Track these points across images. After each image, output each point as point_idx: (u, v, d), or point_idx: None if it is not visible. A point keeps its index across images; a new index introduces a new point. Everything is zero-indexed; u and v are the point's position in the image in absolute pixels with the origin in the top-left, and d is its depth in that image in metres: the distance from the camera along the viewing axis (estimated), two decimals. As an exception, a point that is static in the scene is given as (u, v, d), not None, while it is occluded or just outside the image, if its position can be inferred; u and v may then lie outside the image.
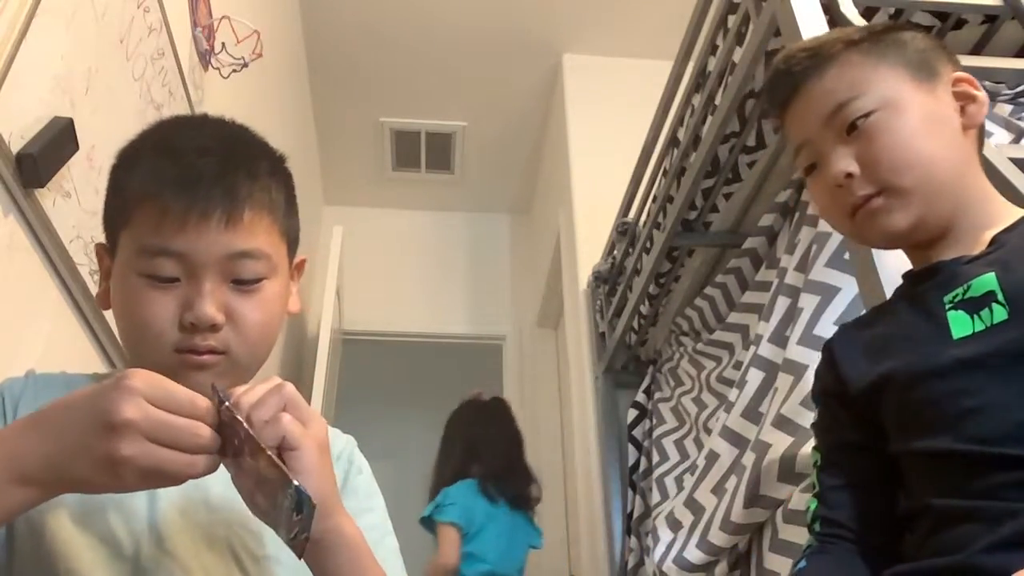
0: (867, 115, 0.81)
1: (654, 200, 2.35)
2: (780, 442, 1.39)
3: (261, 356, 0.79)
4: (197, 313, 0.72)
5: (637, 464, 2.46)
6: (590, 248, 3.14)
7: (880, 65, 0.83)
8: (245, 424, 0.61)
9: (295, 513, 0.58)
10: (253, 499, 0.63)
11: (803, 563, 0.83)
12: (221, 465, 0.62)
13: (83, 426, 0.57)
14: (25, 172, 1.20)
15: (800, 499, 1.33)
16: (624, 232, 2.68)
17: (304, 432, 0.64)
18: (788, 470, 1.36)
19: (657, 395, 2.49)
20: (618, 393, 2.77)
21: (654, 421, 2.41)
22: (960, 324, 0.75)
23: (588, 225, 3.24)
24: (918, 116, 0.81)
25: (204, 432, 0.59)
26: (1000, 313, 0.72)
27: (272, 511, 0.61)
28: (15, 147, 1.18)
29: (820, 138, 0.83)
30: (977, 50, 1.60)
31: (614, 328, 2.73)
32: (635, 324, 2.61)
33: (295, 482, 0.58)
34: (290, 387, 0.65)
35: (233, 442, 0.61)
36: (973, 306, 0.75)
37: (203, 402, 0.60)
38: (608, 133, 3.38)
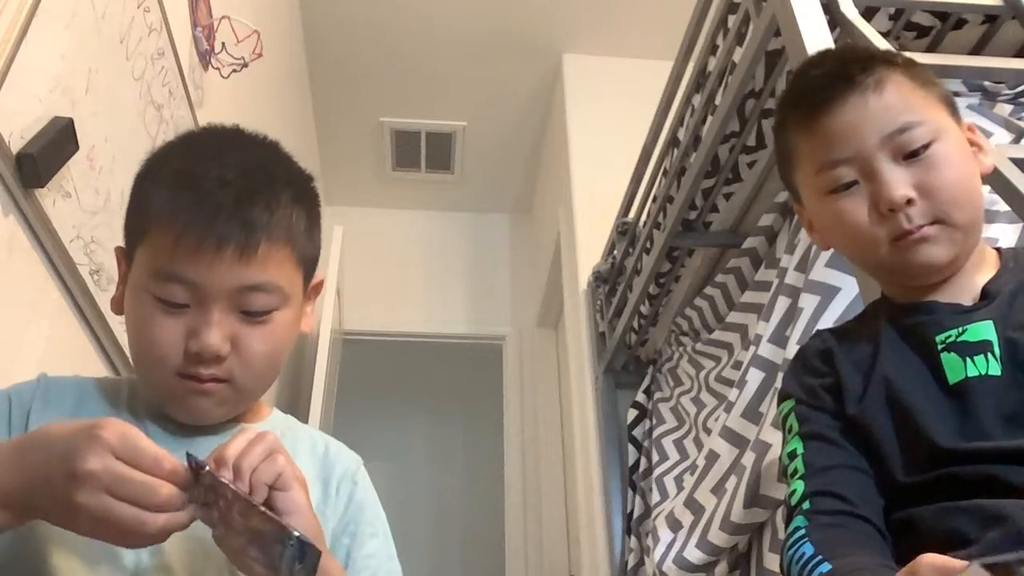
0: (928, 144, 0.78)
1: (654, 200, 2.35)
2: (780, 442, 1.39)
3: (265, 384, 0.79)
4: (202, 343, 0.72)
5: (637, 464, 2.46)
6: (590, 248, 3.13)
7: (929, 95, 0.81)
8: (231, 485, 0.62)
9: (297, 562, 0.60)
10: (246, 553, 0.63)
11: (806, 547, 0.71)
12: None
13: (52, 466, 0.59)
14: (25, 172, 1.20)
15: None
16: (624, 232, 2.68)
17: (294, 471, 0.66)
18: (788, 470, 1.36)
19: (657, 395, 2.49)
20: (618, 393, 2.76)
21: (654, 421, 2.41)
22: (953, 368, 0.74)
23: (588, 225, 3.24)
24: (966, 152, 0.81)
25: (163, 490, 0.60)
26: (994, 367, 0.72)
27: (270, 562, 0.61)
28: (15, 147, 1.18)
29: (874, 156, 0.79)
30: (977, 50, 1.59)
31: (614, 328, 2.73)
32: (635, 324, 2.61)
33: (296, 532, 0.60)
34: (272, 435, 0.67)
35: (219, 504, 0.62)
36: (966, 350, 0.74)
37: (169, 463, 0.61)
38: (608, 133, 3.37)
